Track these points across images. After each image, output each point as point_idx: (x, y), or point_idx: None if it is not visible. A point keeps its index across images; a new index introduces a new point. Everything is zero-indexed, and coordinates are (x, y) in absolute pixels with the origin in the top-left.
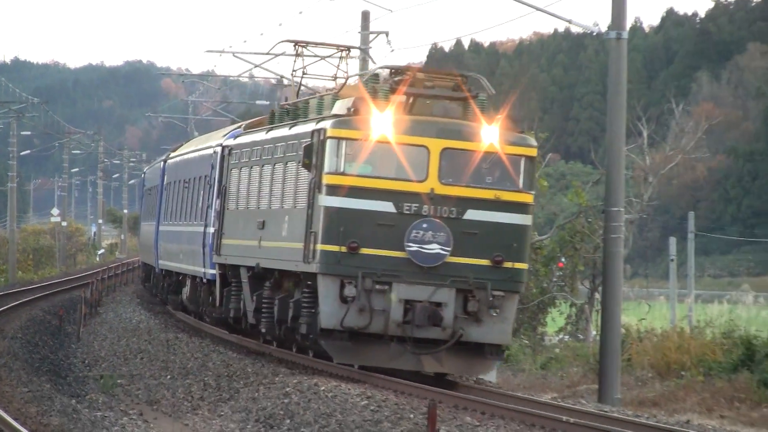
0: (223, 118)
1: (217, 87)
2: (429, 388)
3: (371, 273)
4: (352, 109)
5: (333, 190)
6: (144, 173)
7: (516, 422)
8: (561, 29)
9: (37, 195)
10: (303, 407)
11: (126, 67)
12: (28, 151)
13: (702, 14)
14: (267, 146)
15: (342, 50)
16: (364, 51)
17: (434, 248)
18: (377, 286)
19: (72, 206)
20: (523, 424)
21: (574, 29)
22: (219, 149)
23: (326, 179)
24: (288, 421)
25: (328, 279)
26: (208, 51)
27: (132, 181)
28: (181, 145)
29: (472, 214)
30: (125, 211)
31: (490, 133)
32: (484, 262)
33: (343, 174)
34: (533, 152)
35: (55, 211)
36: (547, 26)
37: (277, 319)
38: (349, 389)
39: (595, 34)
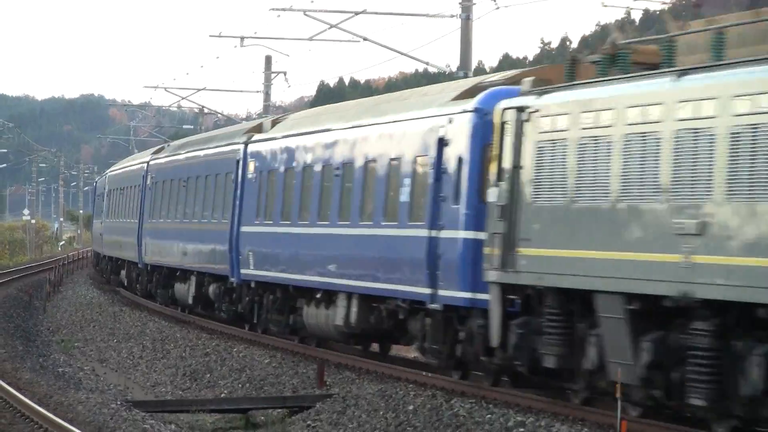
0: (157, 139)
1: (153, 115)
2: (320, 350)
3: None
4: None
5: None
6: (146, 165)
7: (386, 377)
8: (421, 69)
9: (12, 199)
10: (220, 364)
11: (81, 98)
12: (4, 165)
13: (531, 58)
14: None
15: None
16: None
17: None
18: None
19: (39, 207)
20: (391, 378)
21: (431, 69)
22: (470, 117)
23: None
24: (208, 375)
25: None
26: (145, 86)
27: (86, 188)
28: (258, 125)
29: None
30: (81, 211)
31: None
32: None
33: None
34: None
35: (26, 211)
36: (410, 67)
37: None
38: (256, 350)
39: (447, 73)
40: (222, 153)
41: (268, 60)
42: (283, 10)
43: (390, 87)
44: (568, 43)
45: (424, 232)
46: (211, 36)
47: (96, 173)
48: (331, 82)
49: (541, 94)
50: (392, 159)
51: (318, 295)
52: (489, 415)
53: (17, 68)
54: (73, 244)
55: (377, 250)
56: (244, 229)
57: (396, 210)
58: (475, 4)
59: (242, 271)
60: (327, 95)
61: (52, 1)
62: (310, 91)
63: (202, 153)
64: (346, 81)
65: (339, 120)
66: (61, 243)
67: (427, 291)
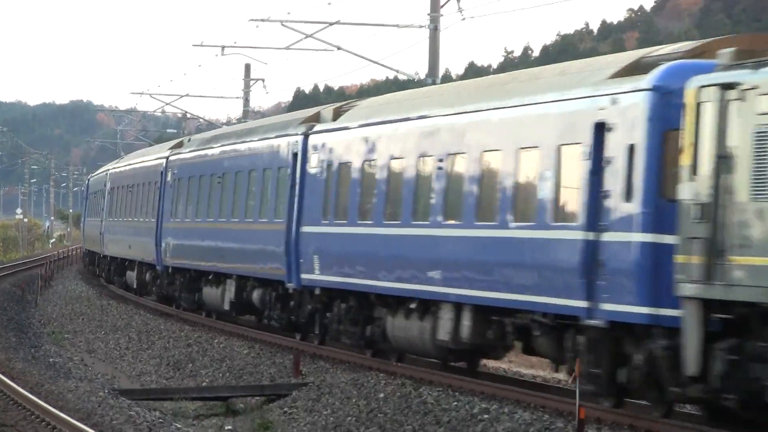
0: (142, 143)
1: (138, 119)
2: (296, 341)
3: None
4: None
5: None
6: (166, 161)
7: (358, 366)
8: (391, 77)
9: (5, 199)
10: (202, 354)
11: (71, 104)
12: None
13: (495, 65)
14: None
15: None
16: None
17: None
18: None
19: (31, 207)
20: (363, 367)
21: (401, 77)
22: (645, 97)
23: None
24: (190, 365)
25: None
26: (131, 92)
27: (75, 189)
28: (315, 114)
29: None
30: (71, 210)
31: None
32: None
33: None
34: None
35: (18, 210)
36: (381, 74)
37: None
38: (235, 341)
39: (416, 80)
40: (273, 146)
41: (248, 68)
42: (262, 20)
43: (362, 93)
44: (529, 52)
45: (577, 234)
46: (193, 45)
47: (85, 174)
48: (307, 88)
49: (756, 67)
50: (523, 148)
51: (412, 305)
52: (455, 403)
53: (11, 75)
54: (63, 242)
55: (503, 255)
56: (306, 229)
57: (532, 208)
58: (442, 15)
59: (304, 275)
60: (303, 101)
61: (44, 12)
62: (287, 97)
63: (244, 146)
64: (321, 88)
65: (439, 105)
66: (52, 240)
67: (583, 304)
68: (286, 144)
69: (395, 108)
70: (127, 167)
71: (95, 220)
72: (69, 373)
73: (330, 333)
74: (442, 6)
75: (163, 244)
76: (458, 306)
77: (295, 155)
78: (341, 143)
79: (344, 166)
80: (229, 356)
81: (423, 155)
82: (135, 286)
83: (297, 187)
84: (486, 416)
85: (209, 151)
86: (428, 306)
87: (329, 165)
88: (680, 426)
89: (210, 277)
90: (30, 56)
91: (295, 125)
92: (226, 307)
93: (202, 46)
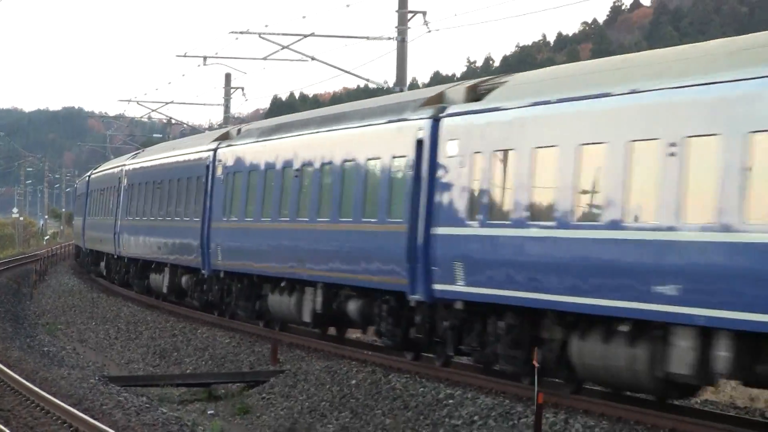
0: (129, 146)
1: (126, 125)
2: (273, 331)
3: None
4: None
5: None
6: (213, 154)
7: (332, 355)
8: (362, 85)
9: (2, 199)
10: (186, 344)
11: (64, 110)
12: None
13: (458, 74)
14: None
15: None
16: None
17: None
18: None
19: (27, 206)
20: (336, 356)
21: (371, 85)
22: None
23: None
24: (175, 353)
25: None
26: (120, 100)
27: (68, 189)
28: (437, 95)
29: None
30: (63, 209)
31: None
32: None
33: None
34: None
35: (15, 209)
36: (353, 83)
37: None
38: (217, 331)
39: (385, 88)
40: (382, 132)
41: (228, 77)
42: (241, 33)
43: (335, 101)
44: (491, 62)
45: None
46: (177, 56)
47: (77, 176)
48: (283, 96)
49: None
50: (757, 132)
51: (622, 327)
52: (422, 389)
53: (7, 83)
54: (57, 239)
55: (740, 262)
56: (441, 231)
57: None
58: (409, 28)
59: (437, 286)
60: (280, 108)
61: (39, 24)
62: (265, 104)
63: (333, 134)
64: (297, 95)
65: (665, 75)
66: (46, 238)
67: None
68: (405, 130)
69: (582, 81)
70: (154, 162)
71: (104, 219)
72: (62, 362)
73: (476, 356)
74: (409, 19)
75: (212, 246)
76: (703, 330)
77: (419, 142)
78: (495, 127)
79: (501, 154)
80: (211, 345)
81: (640, 139)
82: (164, 291)
83: (424, 181)
84: (451, 401)
85: (278, 142)
86: (643, 328)
87: (476, 153)
88: (637, 411)
89: (283, 284)
90: (26, 65)
91: (415, 108)
92: (307, 318)
93: (185, 56)
